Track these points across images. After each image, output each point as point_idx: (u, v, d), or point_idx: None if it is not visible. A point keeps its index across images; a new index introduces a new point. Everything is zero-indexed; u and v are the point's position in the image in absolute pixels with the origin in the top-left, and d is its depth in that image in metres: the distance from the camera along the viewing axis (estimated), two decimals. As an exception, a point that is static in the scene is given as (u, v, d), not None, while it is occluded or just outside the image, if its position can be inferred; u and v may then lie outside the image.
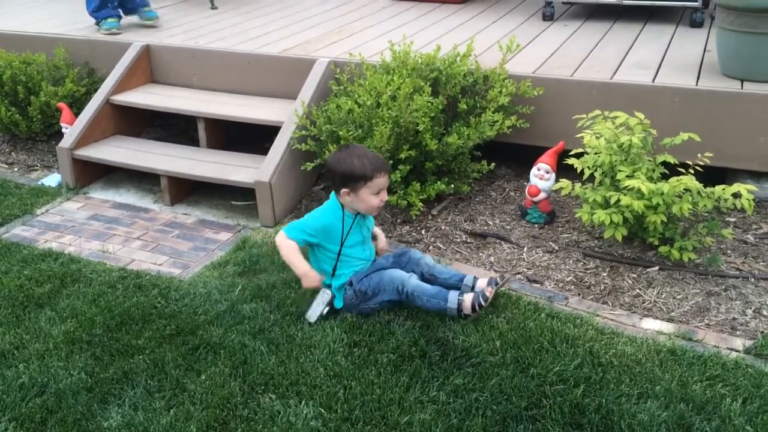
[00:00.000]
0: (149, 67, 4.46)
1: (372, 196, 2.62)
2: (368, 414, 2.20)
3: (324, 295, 2.68)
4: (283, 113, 3.79)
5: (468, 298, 2.59)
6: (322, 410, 2.22)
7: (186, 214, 3.70)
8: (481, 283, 2.73)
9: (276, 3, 5.71)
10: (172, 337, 2.59)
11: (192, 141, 4.20)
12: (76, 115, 4.17)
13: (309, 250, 2.75)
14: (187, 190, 3.87)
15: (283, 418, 2.20)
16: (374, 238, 2.88)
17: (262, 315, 2.70)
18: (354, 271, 2.73)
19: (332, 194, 2.71)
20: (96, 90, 4.29)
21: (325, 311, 2.67)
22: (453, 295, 2.60)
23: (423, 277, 2.80)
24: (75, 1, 5.45)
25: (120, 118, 4.26)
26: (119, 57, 4.37)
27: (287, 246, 2.67)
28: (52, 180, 4.08)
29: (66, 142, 3.98)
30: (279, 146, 3.58)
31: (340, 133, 3.37)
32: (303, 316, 2.67)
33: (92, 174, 4.08)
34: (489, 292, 2.57)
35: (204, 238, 3.44)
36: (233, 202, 3.76)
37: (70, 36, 4.71)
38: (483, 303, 2.55)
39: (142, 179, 4.01)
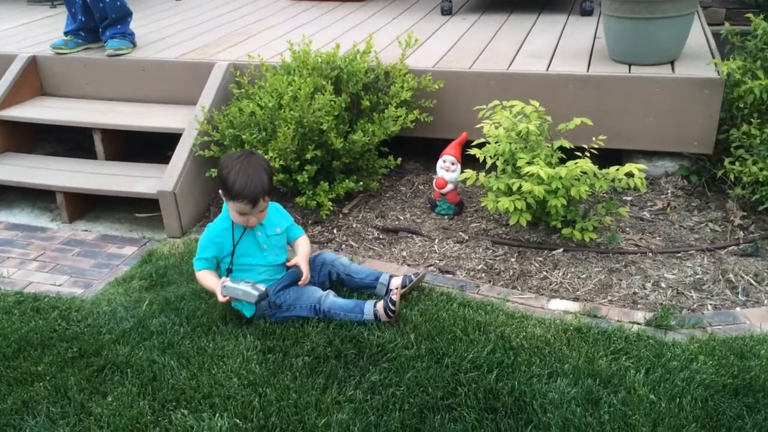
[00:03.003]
0: (38, 79, 4.24)
1: (235, 213, 2.56)
2: (285, 420, 2.17)
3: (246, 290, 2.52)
4: (183, 120, 3.68)
5: (381, 306, 2.57)
6: (238, 420, 2.16)
7: (86, 231, 3.53)
8: (396, 282, 2.74)
9: (172, 8, 5.56)
10: (75, 360, 2.46)
11: (90, 154, 4.01)
12: (-40, 133, 3.92)
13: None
14: (87, 206, 3.70)
15: (196, 432, 2.13)
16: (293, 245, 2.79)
17: (171, 329, 2.61)
18: (254, 277, 2.64)
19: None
20: (-20, 106, 4.05)
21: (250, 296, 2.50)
22: (368, 307, 2.58)
23: (339, 277, 2.79)
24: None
25: (9, 134, 4.03)
26: (3, 70, 4.13)
27: (199, 277, 2.67)
28: (-64, 204, 3.82)
29: (-51, 163, 3.73)
30: (181, 154, 3.48)
31: (244, 136, 3.31)
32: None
33: (-19, 195, 3.84)
34: (395, 295, 2.56)
35: (107, 254, 3.30)
36: (137, 215, 3.63)
37: (-52, 50, 4.42)
38: (393, 307, 2.54)
39: (37, 197, 3.81)
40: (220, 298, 2.55)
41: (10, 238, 3.48)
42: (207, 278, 2.65)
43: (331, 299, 2.62)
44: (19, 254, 3.31)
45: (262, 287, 2.53)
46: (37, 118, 3.97)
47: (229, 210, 2.59)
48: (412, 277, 2.73)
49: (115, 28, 4.15)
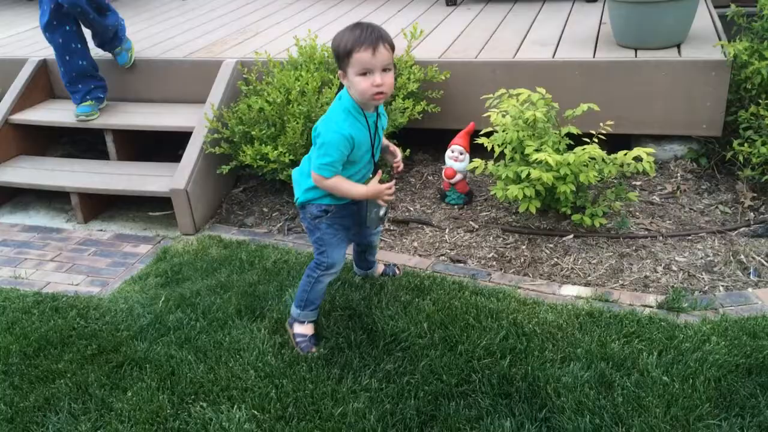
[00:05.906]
0: (49, 83, 4.29)
1: (359, 78, 2.12)
2: (302, 410, 2.20)
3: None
4: (193, 118, 3.72)
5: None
6: (255, 412, 2.20)
7: (101, 231, 3.58)
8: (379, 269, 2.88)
9: (178, 7, 5.59)
10: (94, 357, 2.51)
11: (102, 155, 4.06)
12: (-26, 138, 3.97)
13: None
14: (101, 206, 3.75)
15: (215, 424, 2.17)
16: (386, 150, 2.51)
17: (188, 324, 2.65)
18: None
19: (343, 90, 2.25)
20: (-7, 111, 4.10)
21: (382, 213, 2.40)
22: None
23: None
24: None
25: (22, 137, 4.08)
26: (15, 74, 4.18)
27: (332, 184, 2.25)
28: (-46, 209, 3.88)
29: (-35, 168, 3.79)
30: (192, 152, 3.52)
31: (253, 132, 3.34)
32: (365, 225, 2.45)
33: (-3, 198, 3.91)
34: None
35: (122, 253, 3.34)
36: (150, 213, 3.67)
37: (-40, 56, 4.48)
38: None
39: (52, 199, 3.86)
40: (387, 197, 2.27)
41: (27, 239, 3.53)
42: (344, 185, 2.26)
43: (328, 280, 2.50)
44: (36, 255, 3.37)
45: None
46: (49, 120, 4.02)
47: (351, 83, 2.16)
48: (395, 269, 2.88)
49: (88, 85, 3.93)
